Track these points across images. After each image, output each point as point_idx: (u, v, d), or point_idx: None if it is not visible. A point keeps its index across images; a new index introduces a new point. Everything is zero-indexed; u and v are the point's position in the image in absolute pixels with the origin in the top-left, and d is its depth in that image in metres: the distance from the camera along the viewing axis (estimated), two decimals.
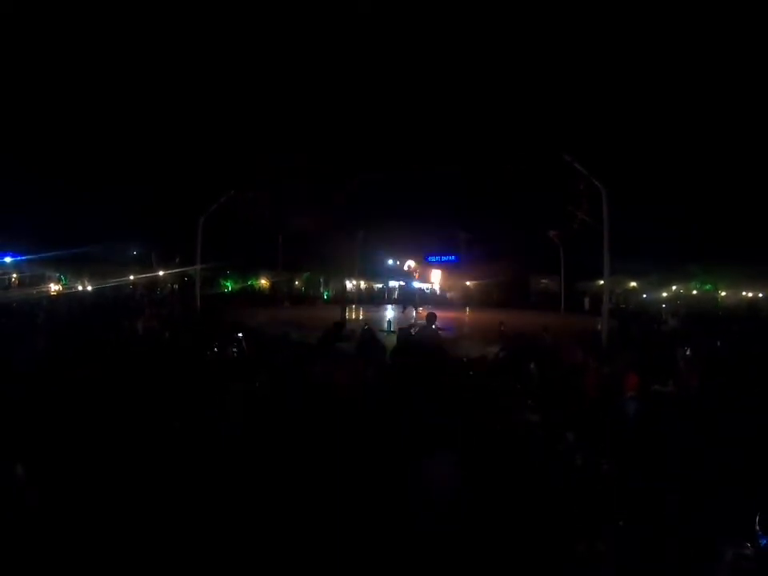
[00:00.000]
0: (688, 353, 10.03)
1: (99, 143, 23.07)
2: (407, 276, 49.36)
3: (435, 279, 50.22)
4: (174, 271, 36.40)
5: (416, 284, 49.28)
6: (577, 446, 5.38)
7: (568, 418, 6.20)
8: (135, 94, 19.55)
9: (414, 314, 27.26)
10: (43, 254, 30.23)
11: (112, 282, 32.27)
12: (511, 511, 4.26)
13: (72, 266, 34.86)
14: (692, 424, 5.90)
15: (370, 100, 18.44)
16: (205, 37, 17.11)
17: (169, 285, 39.18)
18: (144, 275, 35.69)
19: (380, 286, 51.76)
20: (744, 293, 42.84)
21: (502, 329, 14.14)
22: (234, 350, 10.79)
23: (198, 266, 22.00)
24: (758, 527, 3.47)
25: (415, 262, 48.81)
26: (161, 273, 37.50)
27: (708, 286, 44.26)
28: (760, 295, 41.43)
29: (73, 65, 18.09)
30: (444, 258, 51.08)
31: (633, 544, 3.68)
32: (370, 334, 12.53)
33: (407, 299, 38.62)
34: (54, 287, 33.30)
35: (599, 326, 17.15)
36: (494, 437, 5.70)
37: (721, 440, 5.27)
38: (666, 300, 40.93)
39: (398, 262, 50.16)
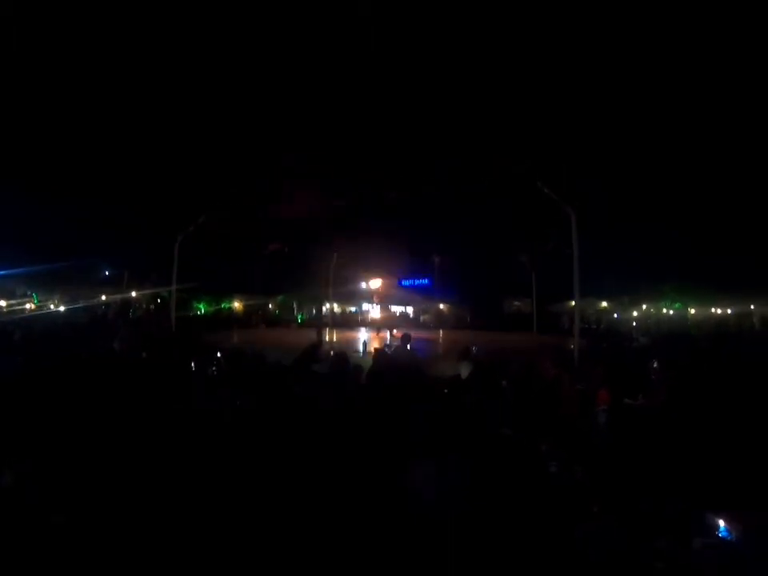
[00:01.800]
0: (655, 365, 10.39)
1: (74, 162, 22.90)
2: (382, 299, 49.52)
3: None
4: (146, 292, 36.25)
5: (394, 307, 49.56)
6: (550, 456, 5.56)
7: (542, 431, 6.37)
8: (110, 114, 19.53)
9: (389, 336, 27.41)
10: (15, 270, 29.72)
11: (84, 302, 31.94)
12: (487, 510, 4.40)
13: (44, 285, 34.37)
14: (659, 432, 6.15)
15: (344, 126, 18.69)
16: (177, 59, 17.19)
17: (143, 305, 38.91)
18: (117, 296, 35.44)
19: (353, 309, 51.93)
20: (713, 310, 43.71)
21: (474, 350, 14.29)
22: (213, 368, 10.83)
23: (173, 287, 21.91)
24: (720, 523, 3.72)
25: (389, 285, 48.97)
26: (134, 294, 37.26)
27: (678, 305, 45.10)
28: (729, 311, 42.35)
29: (48, 83, 18.03)
30: (417, 282, 51.37)
31: (606, 535, 3.87)
32: (343, 355, 12.61)
33: (381, 322, 38.95)
34: (27, 306, 32.85)
35: (571, 345, 17.49)
36: (469, 447, 5.82)
37: (687, 446, 5.51)
38: (636, 319, 41.67)
39: (372, 286, 50.38)
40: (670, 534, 3.71)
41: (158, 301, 37.55)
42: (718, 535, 3.70)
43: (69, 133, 20.83)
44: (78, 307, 30.97)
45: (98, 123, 20.06)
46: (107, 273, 40.60)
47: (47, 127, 20.37)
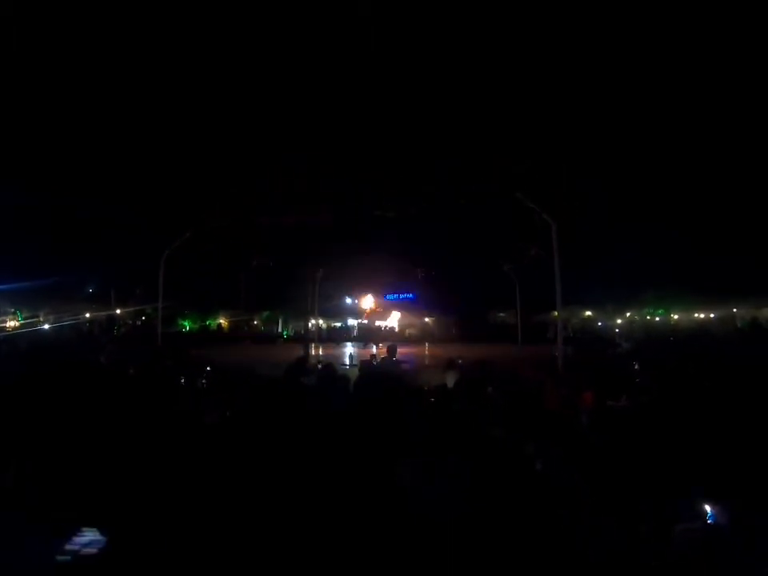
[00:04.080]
0: (636, 367, 10.64)
1: (59, 176, 22.72)
2: (367, 314, 49.61)
3: (393, 319, 50.52)
4: (132, 309, 36.15)
5: (377, 322, 49.64)
6: (536, 454, 5.71)
7: (527, 432, 6.50)
8: (97, 127, 19.46)
9: (375, 349, 27.53)
10: None
11: (69, 319, 31.72)
12: (485, 511, 4.49)
13: (29, 301, 33.99)
14: (641, 431, 6.31)
15: (326, 140, 18.83)
16: (157, 70, 17.17)
17: (129, 322, 38.73)
18: (102, 312, 35.26)
19: (339, 324, 51.98)
20: (696, 314, 44.19)
21: (460, 362, 14.55)
22: (204, 381, 10.90)
23: (159, 304, 21.85)
24: (706, 507, 3.88)
25: (374, 300, 49.10)
26: (118, 311, 37.10)
27: (661, 311, 45.56)
28: (711, 316, 42.88)
29: (30, 94, 17.92)
30: (402, 296, 51.45)
31: (591, 524, 4.01)
32: (331, 367, 12.75)
33: (367, 337, 39.11)
34: (10, 323, 32.59)
35: (556, 353, 17.71)
36: (461, 449, 5.92)
37: (668, 441, 5.67)
38: (620, 326, 42.10)
39: (356, 301, 50.51)
40: (651, 522, 3.85)
41: (143, 317, 37.44)
42: (700, 520, 3.85)
43: (53, 145, 20.72)
44: (64, 324, 30.75)
45: (85, 136, 19.99)
46: (91, 290, 40.39)
47: (30, 139, 20.25)
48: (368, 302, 48.94)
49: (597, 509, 4.37)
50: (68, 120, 19.01)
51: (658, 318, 45.72)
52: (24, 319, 33.76)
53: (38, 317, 33.60)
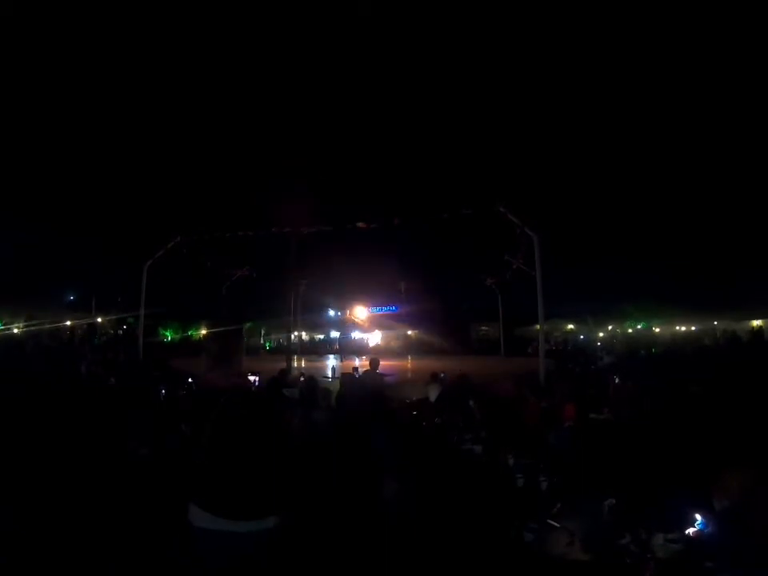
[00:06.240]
0: (617, 380, 10.73)
1: (42, 184, 22.49)
2: (349, 327, 49.46)
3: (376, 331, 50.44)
4: (113, 318, 35.75)
5: (361, 334, 49.50)
6: (517, 469, 5.72)
7: (508, 446, 6.51)
8: (80, 136, 19.32)
9: (358, 362, 27.44)
10: None
11: (50, 327, 31.24)
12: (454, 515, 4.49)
13: (8, 308, 33.44)
14: (622, 443, 6.34)
15: (311, 152, 18.87)
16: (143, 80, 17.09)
17: (111, 331, 38.31)
18: (83, 321, 34.83)
19: (321, 336, 51.84)
20: (677, 327, 44.37)
21: (442, 375, 14.56)
22: (185, 392, 10.82)
23: (141, 313, 21.69)
24: (697, 516, 3.88)
25: (356, 312, 48.97)
26: (99, 320, 36.68)
27: (642, 324, 45.78)
28: (693, 328, 43.11)
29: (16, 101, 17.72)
30: (385, 309, 51.28)
31: (569, 535, 4.01)
32: (313, 379, 12.69)
33: (349, 349, 39.05)
34: None
35: (538, 366, 17.78)
36: (437, 466, 5.92)
37: (650, 454, 5.69)
38: (601, 339, 42.27)
39: (339, 313, 50.37)
40: (637, 530, 3.87)
41: (124, 327, 37.07)
42: (686, 529, 3.85)
43: (36, 153, 20.52)
44: (44, 331, 30.27)
45: (67, 144, 19.84)
46: (72, 297, 39.95)
47: (12, 147, 20.04)
48: (350, 314, 48.74)
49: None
50: (51, 131, 18.90)
51: (639, 327, 45.96)
52: (3, 325, 33.24)
53: (17, 324, 33.07)
